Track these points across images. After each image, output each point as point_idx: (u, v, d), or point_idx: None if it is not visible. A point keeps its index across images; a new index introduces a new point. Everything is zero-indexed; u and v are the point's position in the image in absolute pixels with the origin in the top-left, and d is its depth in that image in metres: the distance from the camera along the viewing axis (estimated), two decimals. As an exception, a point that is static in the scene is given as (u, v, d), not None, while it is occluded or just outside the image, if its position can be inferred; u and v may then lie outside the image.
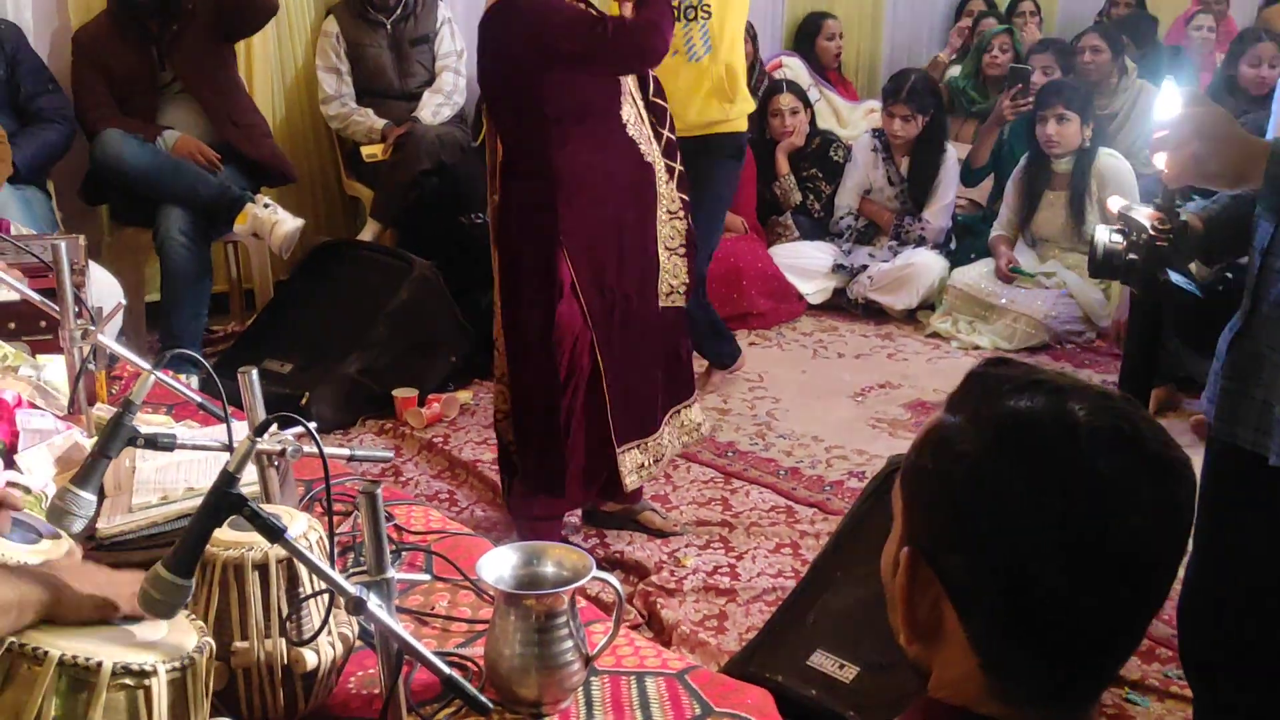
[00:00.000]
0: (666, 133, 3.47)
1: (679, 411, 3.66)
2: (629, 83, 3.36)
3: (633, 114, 3.37)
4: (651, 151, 3.42)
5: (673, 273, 3.49)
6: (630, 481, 3.48)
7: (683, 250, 3.51)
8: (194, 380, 3.67)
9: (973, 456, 1.03)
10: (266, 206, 4.83)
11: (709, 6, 4.22)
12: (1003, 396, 1.04)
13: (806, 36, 7.09)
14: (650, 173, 3.39)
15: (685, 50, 4.23)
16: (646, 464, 3.53)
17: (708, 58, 4.27)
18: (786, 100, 6.11)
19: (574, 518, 3.85)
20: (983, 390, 1.07)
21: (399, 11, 5.64)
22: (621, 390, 3.41)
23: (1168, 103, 2.01)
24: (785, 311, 5.76)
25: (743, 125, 4.47)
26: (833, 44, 7.07)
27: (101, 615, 1.47)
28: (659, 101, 3.46)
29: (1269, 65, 5.93)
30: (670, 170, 3.46)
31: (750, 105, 4.53)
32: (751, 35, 6.60)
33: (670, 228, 3.48)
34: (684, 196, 3.51)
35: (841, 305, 5.88)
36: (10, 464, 2.26)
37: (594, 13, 3.33)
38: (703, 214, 3.94)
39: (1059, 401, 1.03)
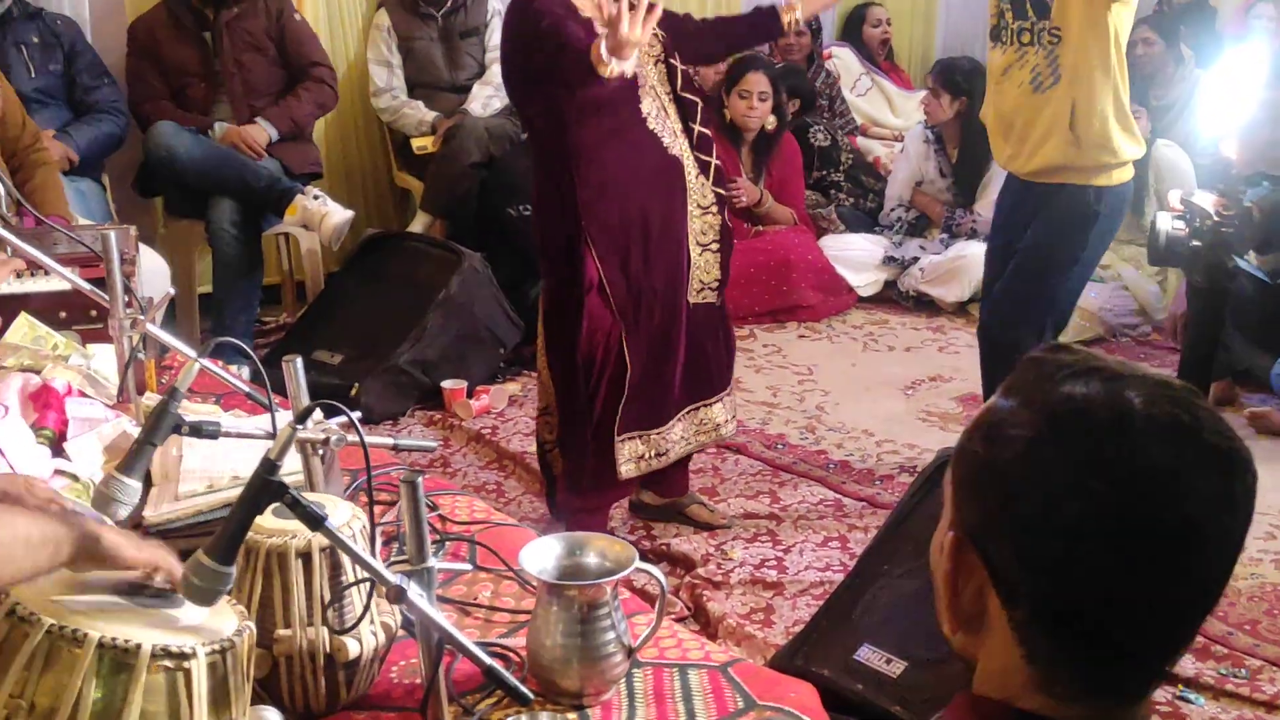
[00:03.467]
0: (698, 127, 3.41)
1: (698, 409, 3.60)
2: (650, 76, 3.30)
3: (654, 107, 3.30)
4: (678, 145, 3.36)
5: (704, 269, 3.43)
6: (625, 470, 3.43)
7: (715, 246, 3.45)
8: (245, 371, 3.69)
9: (1023, 441, 1.00)
10: (316, 198, 4.84)
11: (1057, 31, 3.56)
12: (1058, 382, 1.01)
13: (854, 25, 7.06)
14: (677, 166, 3.34)
15: (1030, 81, 3.64)
16: (647, 456, 3.47)
17: (1054, 89, 3.60)
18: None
19: (621, 509, 3.83)
20: (1038, 375, 1.04)
21: (450, 4, 5.64)
22: (635, 380, 3.38)
23: (1237, 85, 1.97)
24: (835, 304, 5.72)
25: (1102, 178, 3.59)
26: (878, 30, 7.01)
27: (142, 565, 1.47)
28: (688, 96, 3.38)
29: (1333, 52, 5.83)
30: (703, 165, 3.41)
31: (1114, 154, 3.59)
32: (814, 29, 6.57)
33: (702, 222, 3.41)
34: (719, 190, 3.46)
35: (892, 298, 5.83)
36: (59, 452, 2.28)
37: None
38: (1018, 266, 3.77)
39: (1115, 388, 1.00)
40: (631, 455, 3.43)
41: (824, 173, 6.21)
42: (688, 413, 3.56)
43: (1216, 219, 1.99)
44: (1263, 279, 1.90)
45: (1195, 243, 2.02)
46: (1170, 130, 5.73)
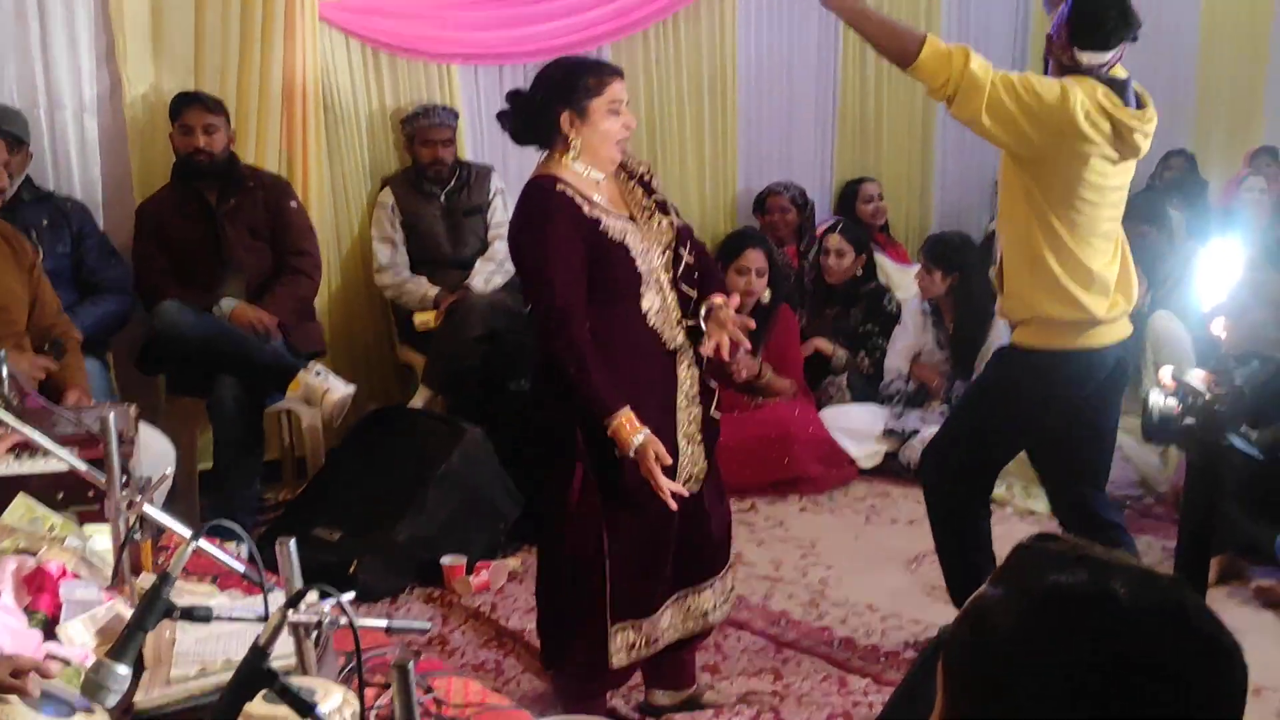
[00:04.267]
0: (690, 321, 3.42)
1: (686, 595, 3.56)
2: (658, 265, 3.32)
3: (656, 300, 3.31)
4: (675, 338, 3.36)
5: (693, 460, 3.41)
6: (617, 660, 3.37)
7: (699, 438, 3.44)
8: (244, 550, 3.67)
9: (1010, 630, 1.00)
10: (319, 374, 4.88)
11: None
12: (1045, 571, 1.02)
13: (847, 200, 7.17)
14: (672, 361, 3.35)
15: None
16: (638, 644, 3.41)
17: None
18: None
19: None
20: (1027, 564, 1.05)
21: (453, 183, 5.76)
22: (624, 570, 3.34)
23: (1223, 267, 2.00)
24: (837, 476, 5.71)
25: (1028, 337, 3.71)
26: (870, 206, 7.12)
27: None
28: (687, 289, 3.37)
29: (1318, 223, 5.93)
30: (696, 356, 3.42)
31: (1029, 310, 3.67)
32: (800, 203, 6.70)
33: (688, 414, 3.41)
34: (709, 383, 3.46)
35: (893, 470, 5.81)
36: (51, 635, 2.26)
37: (645, 209, 3.38)
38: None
39: (1101, 578, 0.99)
40: (623, 644, 3.38)
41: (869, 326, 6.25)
42: (675, 600, 3.51)
43: (1208, 397, 2.00)
44: (1257, 457, 1.91)
45: (1188, 420, 2.03)
46: (1167, 301, 5.79)
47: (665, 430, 3.32)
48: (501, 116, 3.44)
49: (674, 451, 3.32)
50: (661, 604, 3.45)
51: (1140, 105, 3.56)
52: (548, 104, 3.30)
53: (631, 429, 3.15)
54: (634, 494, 3.28)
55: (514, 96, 3.42)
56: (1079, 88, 3.47)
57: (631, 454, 3.16)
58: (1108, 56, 3.50)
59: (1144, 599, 0.98)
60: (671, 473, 3.30)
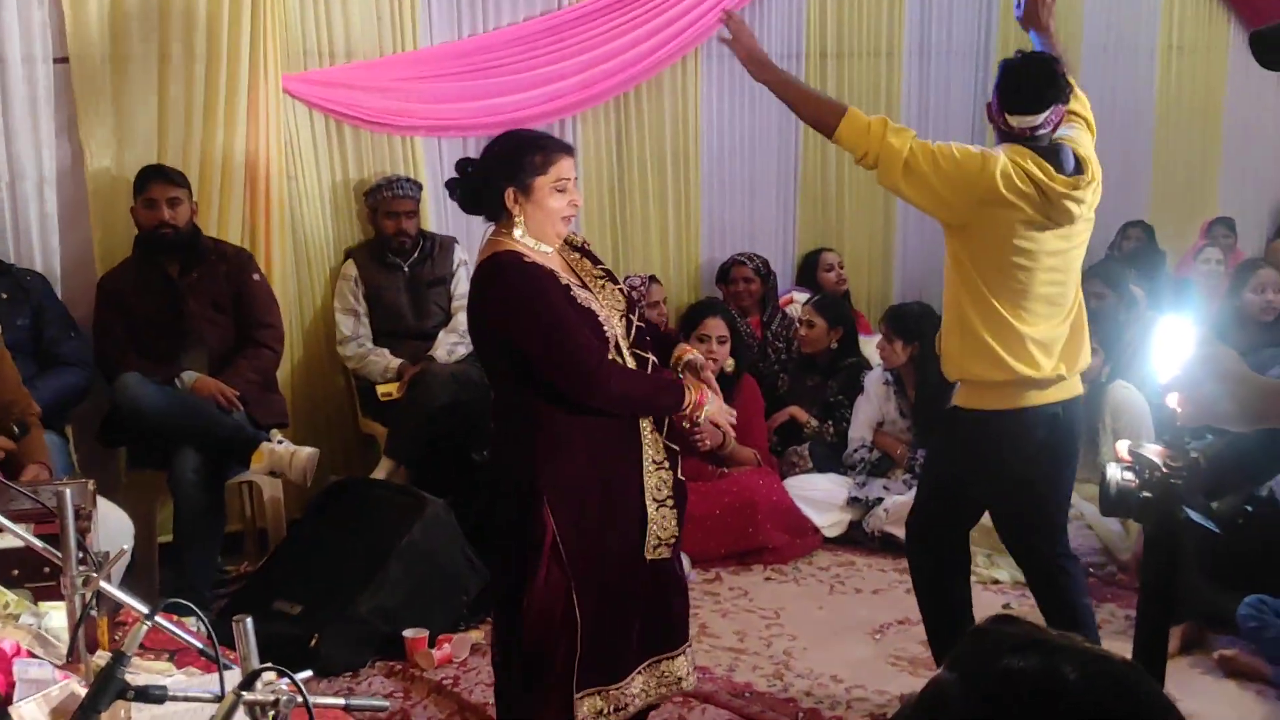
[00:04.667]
0: None
1: (659, 662, 3.54)
2: (618, 330, 3.34)
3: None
4: None
5: (661, 525, 3.40)
6: None
7: (671, 502, 3.44)
8: (202, 627, 3.63)
9: (961, 715, 1.00)
10: (281, 443, 4.86)
11: None
12: (998, 655, 1.02)
13: (808, 270, 7.22)
14: (635, 423, 3.36)
15: None
16: (606, 711, 3.38)
17: None
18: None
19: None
20: (981, 648, 1.05)
21: (416, 254, 5.77)
22: (596, 640, 3.32)
23: (1174, 342, 2.02)
24: (801, 546, 5.70)
25: (960, 397, 3.92)
26: (832, 275, 7.17)
27: None
28: (641, 352, 3.39)
29: (1274, 290, 6.00)
30: (658, 421, 3.43)
31: (959, 370, 3.86)
32: (763, 274, 6.75)
33: (657, 478, 3.41)
34: (672, 445, 3.47)
35: (857, 539, 5.81)
36: (4, 715, 2.22)
37: (596, 277, 3.41)
38: None
39: (1052, 662, 1.00)
40: (590, 711, 3.35)
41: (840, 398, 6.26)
42: (648, 666, 3.49)
43: (1164, 470, 2.02)
44: (1212, 529, 1.93)
45: (1145, 494, 2.05)
46: (1126, 371, 5.83)
47: (632, 493, 3.32)
48: (449, 185, 3.46)
49: (642, 516, 3.33)
50: (631, 670, 3.43)
51: (1080, 171, 3.61)
52: (493, 180, 3.32)
53: (702, 398, 3.37)
54: (601, 558, 3.27)
55: (462, 166, 3.44)
56: (1005, 154, 3.58)
57: (703, 419, 3.37)
58: (1038, 119, 3.60)
59: (1094, 684, 0.98)
60: (640, 538, 3.32)
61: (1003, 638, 1.04)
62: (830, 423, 6.17)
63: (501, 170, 3.31)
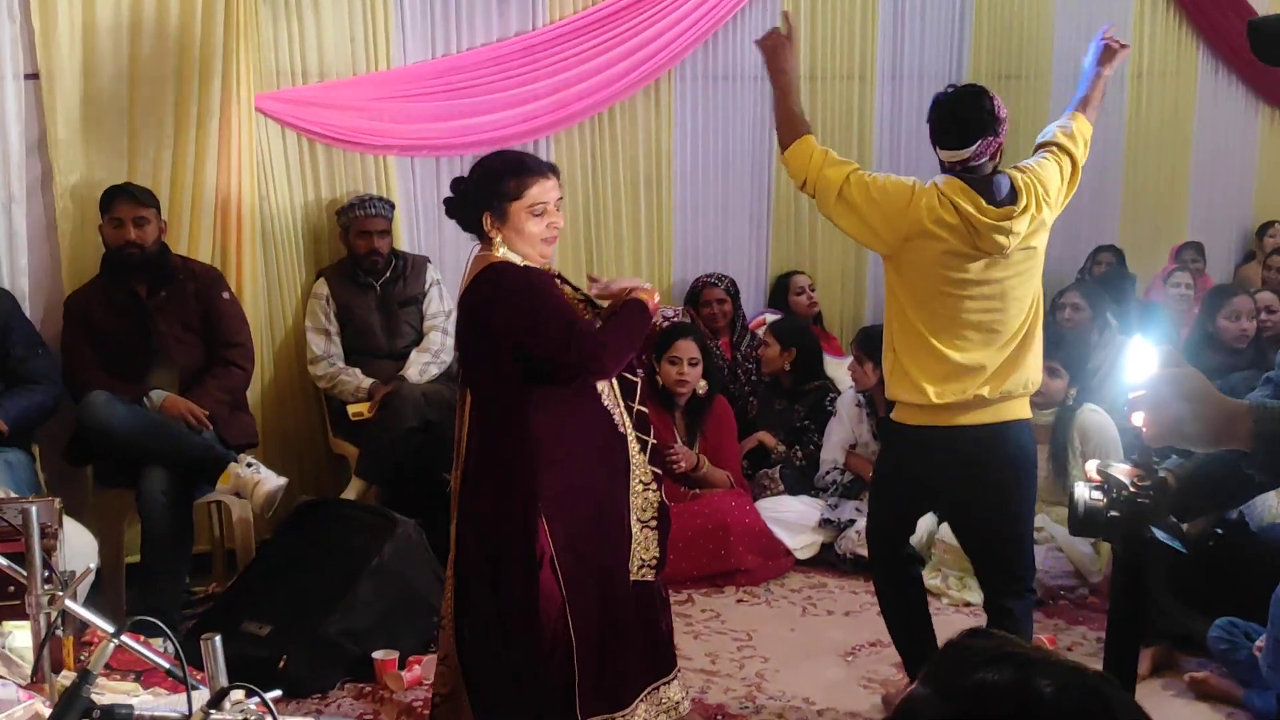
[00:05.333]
0: (637, 405, 3.46)
1: (658, 688, 3.53)
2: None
3: (605, 385, 3.38)
4: (624, 423, 3.42)
5: (645, 545, 3.41)
6: None
7: (654, 523, 3.44)
8: (169, 646, 3.60)
9: None
10: (250, 466, 4.83)
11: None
12: (971, 669, 1.01)
13: (780, 292, 7.24)
14: (623, 443, 3.37)
15: None
16: None
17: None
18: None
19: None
20: (954, 662, 1.05)
21: (389, 274, 5.76)
22: (594, 662, 3.31)
23: (1140, 362, 2.02)
24: (773, 568, 5.69)
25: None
26: (803, 298, 7.18)
27: None
28: (628, 375, 3.46)
29: (1248, 318, 6.04)
30: (642, 443, 3.44)
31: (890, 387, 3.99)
32: (733, 293, 6.76)
33: (643, 499, 3.42)
34: (656, 470, 3.48)
35: (830, 561, 5.81)
36: (-35, 737, 2.20)
37: (577, 300, 3.42)
38: None
39: (1025, 676, 0.99)
40: None
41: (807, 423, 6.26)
42: (649, 693, 3.48)
43: (1133, 489, 2.02)
44: (1179, 549, 1.94)
45: (1114, 514, 2.05)
46: (1096, 395, 5.86)
47: (619, 511, 3.33)
48: (447, 204, 3.47)
49: (626, 536, 3.34)
50: (635, 697, 3.43)
51: (1013, 201, 3.68)
52: (469, 203, 3.34)
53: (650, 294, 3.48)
54: (593, 577, 3.27)
55: (455, 185, 3.46)
56: (938, 186, 3.69)
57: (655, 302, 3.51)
58: (966, 154, 3.70)
59: (1068, 697, 0.97)
60: (625, 557, 3.32)
61: (975, 651, 1.03)
62: (798, 448, 6.17)
63: (478, 194, 3.33)
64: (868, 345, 5.83)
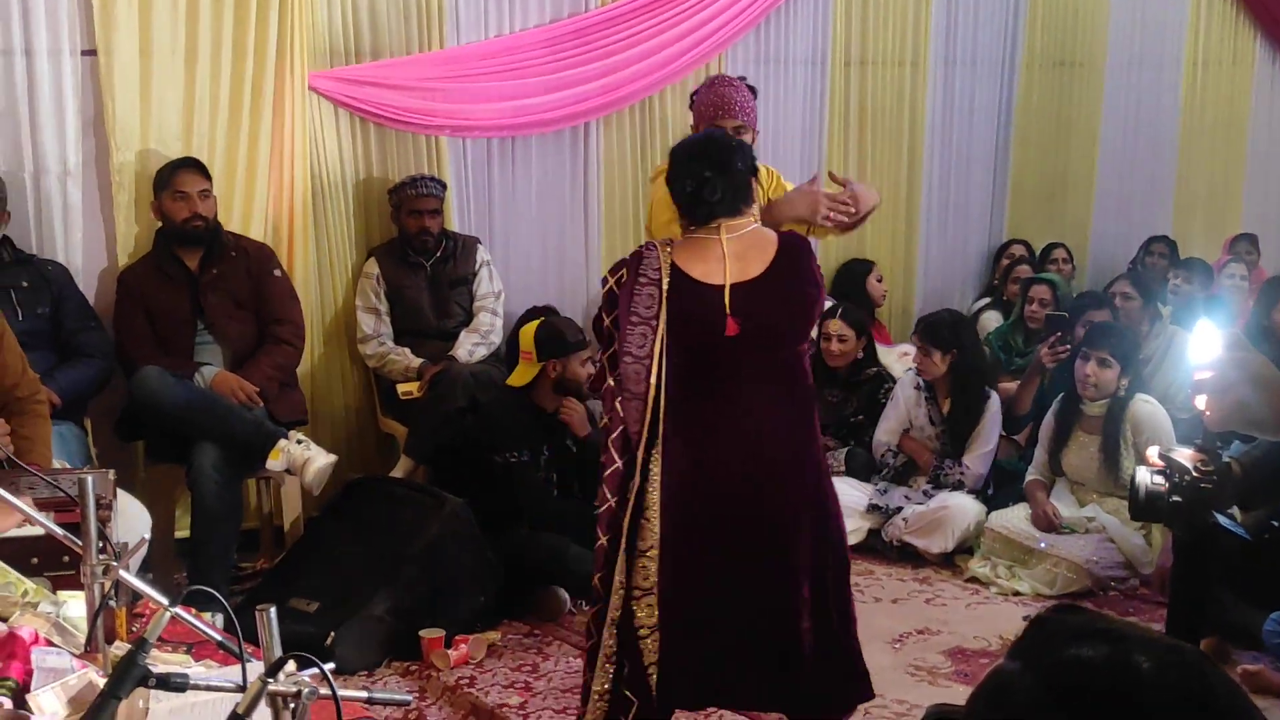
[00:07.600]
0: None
1: None
2: None
3: None
4: None
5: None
6: None
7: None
8: (219, 619, 3.62)
9: (1029, 705, 0.97)
10: (300, 443, 4.85)
11: None
12: (1063, 644, 0.98)
13: (856, 279, 7.16)
14: None
15: None
16: None
17: None
18: (836, 325, 6.06)
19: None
20: (1044, 637, 1.02)
21: (439, 254, 5.76)
22: (676, 643, 3.34)
23: (1205, 345, 1.98)
24: (820, 553, 5.65)
25: None
26: (882, 285, 7.18)
27: None
28: None
29: (1305, 310, 5.96)
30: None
31: None
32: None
33: None
34: None
35: (876, 547, 5.77)
36: (21, 703, 2.21)
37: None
38: None
39: (1122, 652, 0.96)
40: None
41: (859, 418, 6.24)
42: None
43: (1196, 474, 1.98)
44: (1244, 537, 1.90)
45: (1175, 498, 2.01)
46: (1148, 385, 5.80)
47: None
48: (739, 177, 3.62)
49: None
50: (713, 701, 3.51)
51: None
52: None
53: None
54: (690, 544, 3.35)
55: (730, 163, 3.62)
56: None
57: None
58: None
59: (1167, 673, 0.95)
60: None
61: (1068, 627, 1.00)
62: (854, 443, 6.11)
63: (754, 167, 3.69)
64: (932, 334, 5.77)
